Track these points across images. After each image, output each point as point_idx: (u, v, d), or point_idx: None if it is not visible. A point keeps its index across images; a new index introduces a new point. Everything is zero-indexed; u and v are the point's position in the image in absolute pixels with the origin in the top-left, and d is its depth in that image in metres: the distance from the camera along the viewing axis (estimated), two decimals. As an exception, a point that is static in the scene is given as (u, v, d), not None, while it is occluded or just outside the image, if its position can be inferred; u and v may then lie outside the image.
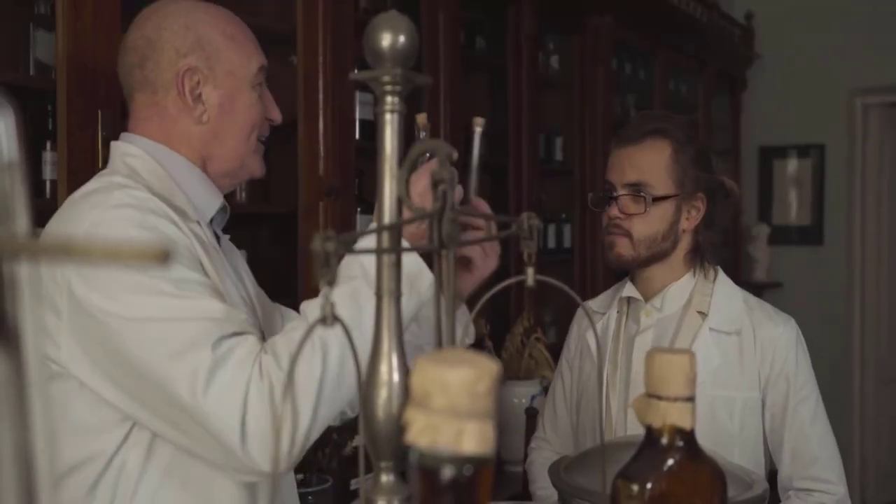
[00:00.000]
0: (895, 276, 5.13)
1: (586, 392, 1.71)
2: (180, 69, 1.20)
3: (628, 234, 1.60)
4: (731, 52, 4.91)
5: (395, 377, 0.76)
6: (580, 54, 3.62)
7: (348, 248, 0.62)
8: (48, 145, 1.77)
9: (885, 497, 4.90)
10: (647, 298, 1.67)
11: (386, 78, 0.78)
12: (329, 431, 1.48)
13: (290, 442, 1.02)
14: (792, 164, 5.18)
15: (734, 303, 1.65)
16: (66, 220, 1.14)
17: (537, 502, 1.74)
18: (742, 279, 4.96)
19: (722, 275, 1.68)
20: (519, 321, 3.01)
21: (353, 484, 2.35)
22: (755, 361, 1.60)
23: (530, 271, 0.88)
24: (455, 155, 0.73)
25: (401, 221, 0.79)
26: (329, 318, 0.61)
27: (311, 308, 1.08)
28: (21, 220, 0.39)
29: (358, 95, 2.43)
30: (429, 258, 0.97)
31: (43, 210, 1.69)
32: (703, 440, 0.76)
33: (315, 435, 1.05)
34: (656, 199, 1.59)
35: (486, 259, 1.23)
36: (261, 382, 1.02)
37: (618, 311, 1.70)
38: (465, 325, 1.34)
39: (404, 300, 0.81)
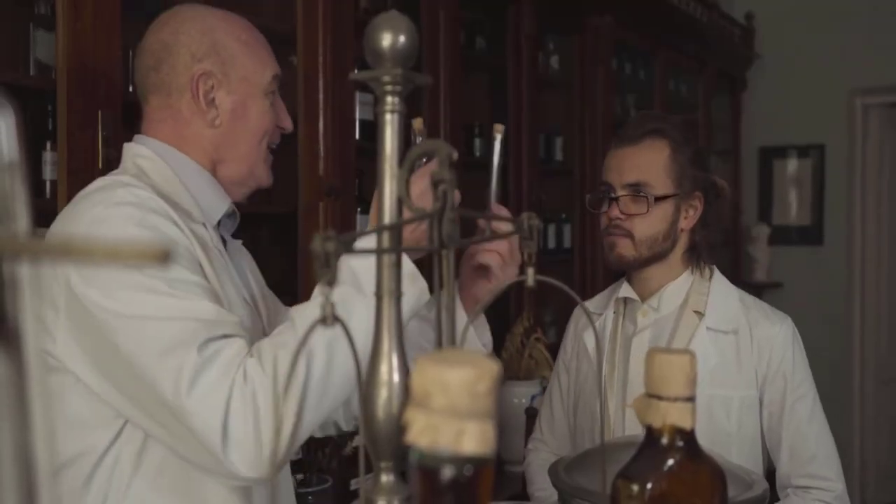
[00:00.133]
0: (895, 276, 5.13)
1: (583, 393, 1.71)
2: (195, 73, 1.22)
3: (630, 235, 1.60)
4: (731, 52, 4.91)
5: (395, 377, 0.76)
6: (580, 54, 3.62)
7: (348, 248, 0.62)
8: (48, 145, 1.77)
9: (885, 497, 4.90)
10: (643, 299, 1.67)
11: (386, 78, 0.78)
12: (329, 432, 1.48)
13: (272, 447, 1.02)
14: (792, 164, 5.18)
15: (730, 302, 1.65)
16: (69, 217, 1.15)
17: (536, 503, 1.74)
18: (742, 279, 4.96)
19: (718, 274, 1.69)
20: (519, 321, 3.01)
21: (353, 484, 2.35)
22: (752, 360, 1.60)
23: (530, 271, 0.88)
24: (455, 155, 0.73)
25: (401, 221, 0.79)
26: (329, 318, 0.61)
27: (300, 313, 1.08)
28: (21, 220, 0.39)
29: (358, 95, 2.43)
30: (429, 258, 0.97)
31: (43, 210, 1.70)
32: (701, 439, 0.76)
33: (299, 441, 1.04)
34: (658, 199, 1.59)
35: (505, 267, 1.24)
36: (244, 386, 1.02)
37: (614, 312, 1.70)
38: (483, 334, 1.34)
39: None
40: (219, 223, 1.28)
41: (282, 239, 2.38)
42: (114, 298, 1.05)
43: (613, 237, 1.62)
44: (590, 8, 3.60)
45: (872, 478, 4.88)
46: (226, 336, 1.06)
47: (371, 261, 1.02)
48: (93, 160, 1.71)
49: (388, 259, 0.77)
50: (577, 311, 1.82)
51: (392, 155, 0.79)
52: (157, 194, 1.15)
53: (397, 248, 0.78)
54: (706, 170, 1.67)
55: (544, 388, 2.79)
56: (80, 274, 1.06)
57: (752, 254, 5.13)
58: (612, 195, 1.62)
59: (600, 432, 1.62)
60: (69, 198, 1.63)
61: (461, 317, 1.30)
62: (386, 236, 0.78)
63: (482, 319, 1.36)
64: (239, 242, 1.39)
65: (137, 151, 1.25)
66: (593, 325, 0.91)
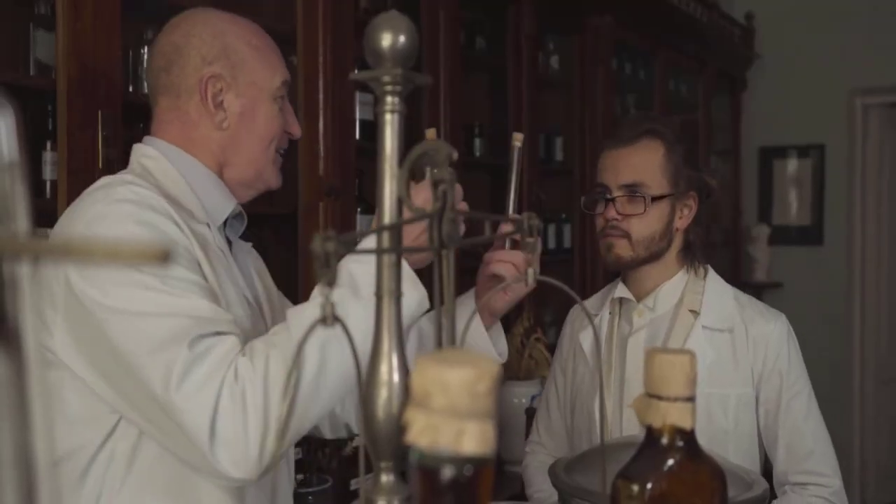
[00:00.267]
0: (895, 276, 5.13)
1: (580, 394, 1.71)
2: (204, 75, 1.23)
3: (627, 235, 1.61)
4: (731, 52, 4.91)
5: (395, 377, 0.76)
6: (580, 54, 3.62)
7: (348, 248, 0.62)
8: (48, 145, 1.77)
9: (885, 497, 4.90)
10: (638, 299, 1.68)
11: (386, 78, 0.78)
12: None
13: (259, 448, 1.02)
14: (792, 165, 5.18)
15: (725, 300, 1.66)
16: (71, 215, 1.16)
17: None
18: (742, 279, 4.96)
19: (712, 273, 1.70)
20: (519, 321, 3.01)
21: (353, 484, 2.35)
22: (748, 358, 1.61)
23: (530, 271, 0.88)
24: (455, 155, 0.73)
25: (401, 221, 0.79)
26: (329, 318, 0.61)
27: (295, 314, 1.09)
28: (21, 220, 0.39)
29: (358, 95, 2.43)
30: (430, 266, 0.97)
31: (43, 210, 1.70)
32: (699, 437, 0.76)
33: (288, 443, 1.04)
34: (654, 199, 1.60)
35: (519, 281, 1.25)
36: (234, 384, 1.02)
37: (610, 312, 1.71)
38: (498, 340, 1.35)
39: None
40: (225, 224, 1.29)
41: (282, 239, 2.38)
42: (109, 294, 1.05)
43: (611, 238, 1.62)
44: (590, 8, 3.60)
45: (872, 478, 4.88)
46: (219, 333, 1.06)
47: (369, 265, 1.02)
48: (93, 160, 1.71)
49: (388, 259, 0.77)
50: (573, 313, 1.83)
51: (392, 155, 0.79)
52: (160, 194, 1.16)
53: (397, 248, 0.78)
54: (698, 169, 1.69)
55: (544, 388, 2.80)
56: (78, 270, 1.07)
57: (752, 254, 5.13)
58: (608, 196, 1.62)
59: (598, 432, 1.63)
60: (69, 198, 1.64)
61: (477, 325, 1.30)
62: (386, 236, 0.78)
63: (498, 327, 1.36)
64: (249, 245, 1.40)
65: (144, 152, 1.26)
66: (592, 323, 0.91)
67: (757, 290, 4.87)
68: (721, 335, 1.61)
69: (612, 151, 1.65)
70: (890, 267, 5.10)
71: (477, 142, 3.12)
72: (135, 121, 1.99)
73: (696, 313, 1.63)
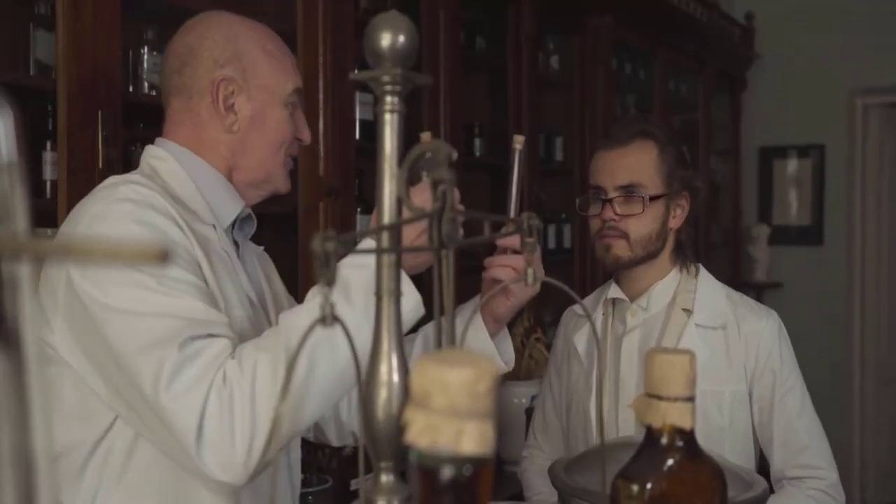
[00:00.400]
0: (895, 276, 5.13)
1: (575, 395, 1.72)
2: (216, 78, 1.24)
3: (625, 236, 1.62)
4: (731, 52, 4.91)
5: (395, 377, 0.76)
6: (580, 54, 3.62)
7: (348, 248, 0.62)
8: (48, 145, 1.77)
9: (885, 497, 4.89)
10: (632, 299, 1.69)
11: (386, 78, 0.78)
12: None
13: (246, 452, 1.02)
14: (792, 165, 5.18)
15: (717, 298, 1.68)
16: (75, 213, 1.18)
17: None
18: (742, 279, 4.96)
19: (704, 271, 1.72)
20: (519, 321, 3.01)
21: (353, 484, 2.35)
22: (741, 355, 1.62)
23: (530, 271, 0.88)
24: (454, 155, 0.73)
25: (400, 221, 0.79)
26: (329, 318, 0.61)
27: (287, 318, 1.09)
28: (21, 220, 0.39)
29: (358, 95, 2.43)
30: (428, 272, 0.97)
31: (43, 210, 1.70)
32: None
33: (276, 448, 1.04)
34: (652, 199, 1.62)
35: (522, 287, 1.26)
36: (223, 387, 1.02)
37: (603, 313, 1.72)
38: (505, 348, 1.35)
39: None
40: (233, 227, 1.30)
41: (282, 239, 2.38)
42: (105, 292, 1.06)
43: (609, 239, 1.63)
44: (590, 8, 3.60)
45: (872, 478, 4.88)
46: (211, 336, 1.07)
47: (363, 271, 1.02)
48: (93, 160, 1.71)
49: (387, 259, 0.77)
50: (566, 315, 1.84)
51: (392, 155, 0.79)
52: (166, 194, 1.17)
53: (397, 248, 0.78)
54: (688, 169, 1.71)
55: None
56: (78, 268, 1.07)
57: (752, 254, 5.13)
58: (605, 197, 1.63)
59: (593, 433, 1.65)
60: (69, 198, 1.65)
61: (481, 332, 1.30)
62: (385, 236, 0.78)
63: (504, 334, 1.36)
64: (260, 248, 1.41)
65: (153, 153, 1.27)
66: (591, 322, 0.91)
67: (757, 290, 4.87)
68: (714, 333, 1.63)
69: (607, 152, 1.66)
70: (890, 267, 5.10)
71: (477, 142, 3.12)
72: (135, 121, 1.99)
73: (689, 312, 1.64)
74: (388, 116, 0.79)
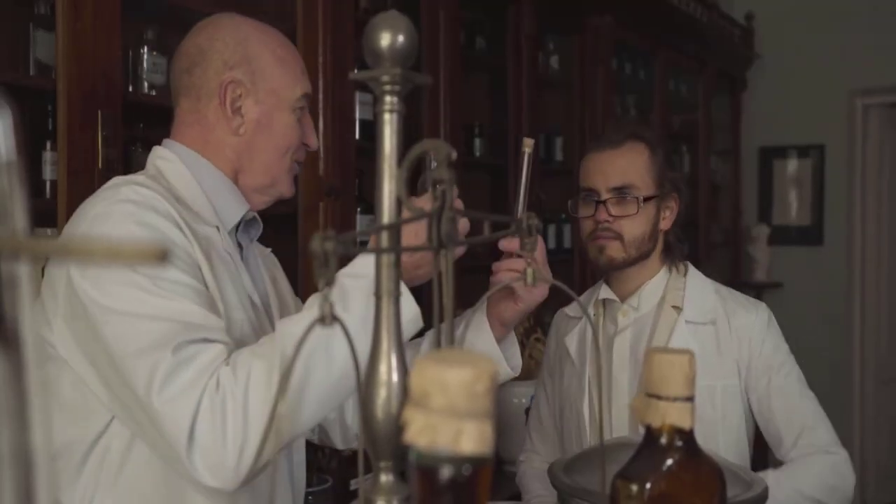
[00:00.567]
0: (895, 276, 5.13)
1: (569, 396, 1.73)
2: (224, 80, 1.24)
3: (619, 237, 1.64)
4: (731, 52, 4.91)
5: (394, 377, 0.76)
6: (580, 54, 3.62)
7: (347, 247, 0.62)
8: (48, 145, 1.77)
9: (885, 497, 4.89)
10: (622, 299, 1.71)
11: (385, 77, 0.78)
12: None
13: (236, 458, 1.02)
14: (792, 165, 5.18)
15: (707, 294, 1.69)
16: (78, 213, 1.18)
17: None
18: (742, 279, 4.96)
19: (692, 269, 1.73)
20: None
21: (353, 484, 2.35)
22: (732, 349, 1.64)
23: (530, 271, 0.88)
24: (454, 155, 0.73)
25: (399, 221, 0.79)
26: (328, 317, 0.61)
27: (284, 325, 1.09)
28: (19, 220, 0.39)
29: (358, 95, 2.43)
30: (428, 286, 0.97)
31: (43, 210, 1.70)
32: (689, 430, 0.77)
33: (268, 454, 1.04)
34: (645, 200, 1.63)
35: (530, 291, 1.25)
36: (215, 394, 1.02)
37: (594, 314, 1.73)
38: (512, 354, 1.34)
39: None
40: (237, 229, 1.30)
41: (282, 239, 2.38)
42: (103, 292, 1.06)
43: (603, 240, 1.64)
44: (590, 8, 3.60)
45: (872, 478, 4.88)
46: (206, 340, 1.06)
47: (362, 282, 1.02)
48: (93, 160, 1.71)
49: (386, 259, 0.77)
50: (557, 317, 1.85)
51: (391, 154, 0.79)
52: (169, 196, 1.17)
53: (396, 247, 0.78)
54: (675, 171, 1.75)
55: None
56: (78, 267, 1.08)
57: (752, 254, 5.13)
58: (598, 199, 1.64)
59: (587, 434, 1.66)
60: (69, 198, 1.65)
61: (487, 336, 1.30)
62: (385, 236, 0.78)
63: (513, 340, 1.35)
64: (268, 250, 1.42)
65: (161, 154, 1.28)
66: (590, 320, 0.91)
67: (757, 290, 4.87)
68: (704, 328, 1.64)
69: (598, 154, 1.67)
70: (890, 267, 5.10)
71: (477, 142, 3.12)
72: (135, 121, 1.99)
73: (678, 309, 1.66)
74: (387, 116, 0.79)
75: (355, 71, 0.83)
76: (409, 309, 1.05)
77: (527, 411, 2.37)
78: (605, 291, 1.72)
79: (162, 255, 0.36)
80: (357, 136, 2.43)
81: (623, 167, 1.64)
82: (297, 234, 2.26)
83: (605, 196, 1.64)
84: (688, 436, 0.74)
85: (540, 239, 1.23)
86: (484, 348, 1.28)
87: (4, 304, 0.39)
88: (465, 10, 2.89)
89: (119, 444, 1.13)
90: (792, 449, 1.59)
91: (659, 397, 0.74)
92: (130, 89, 1.97)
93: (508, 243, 1.29)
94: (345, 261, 1.04)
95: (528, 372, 2.92)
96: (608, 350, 1.69)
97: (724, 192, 5.10)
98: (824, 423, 1.61)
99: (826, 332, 4.79)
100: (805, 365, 1.69)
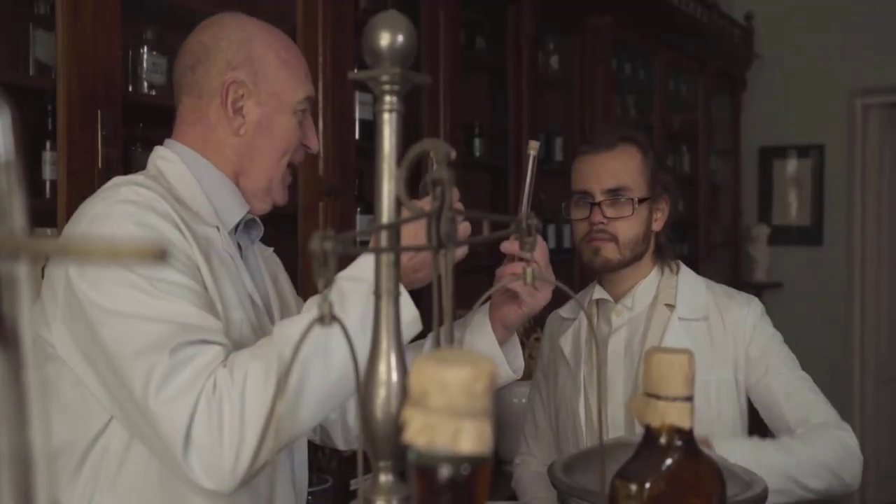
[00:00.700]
0: (895, 276, 5.13)
1: (564, 397, 1.73)
2: (227, 80, 1.23)
3: (614, 238, 1.65)
4: (731, 52, 4.91)
5: (394, 377, 0.76)
6: (580, 54, 3.62)
7: (346, 247, 0.62)
8: (48, 145, 1.77)
9: (885, 497, 4.89)
10: (616, 299, 1.72)
11: (384, 77, 0.78)
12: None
13: (233, 460, 1.02)
14: (792, 165, 5.18)
15: (698, 291, 1.71)
16: (78, 213, 1.18)
17: None
18: (742, 279, 4.96)
19: (684, 267, 1.75)
20: (519, 321, 3.01)
21: (353, 484, 2.35)
22: (727, 344, 1.65)
23: (529, 271, 0.88)
24: (453, 154, 0.73)
25: (399, 221, 0.79)
26: (327, 317, 0.62)
27: (281, 329, 1.09)
28: (18, 219, 0.39)
29: (358, 95, 2.43)
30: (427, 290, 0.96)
31: (43, 210, 1.70)
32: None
33: (265, 456, 1.04)
34: (640, 201, 1.64)
35: (533, 295, 1.25)
36: (212, 396, 1.02)
37: None
38: (514, 356, 1.34)
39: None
40: (237, 229, 1.30)
41: (282, 239, 2.38)
42: (102, 293, 1.06)
43: (598, 242, 1.65)
44: (590, 8, 3.60)
45: (872, 478, 4.88)
46: (204, 342, 1.06)
47: (361, 285, 1.02)
48: (93, 160, 1.71)
49: (386, 259, 0.77)
50: (551, 319, 1.85)
51: (390, 154, 0.79)
52: (169, 196, 1.17)
53: (396, 247, 0.78)
54: (667, 174, 1.75)
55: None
56: (77, 267, 1.08)
57: (752, 254, 5.13)
58: (592, 201, 1.64)
59: (583, 434, 1.67)
60: (69, 198, 1.65)
61: (489, 338, 1.30)
62: (384, 236, 0.78)
63: (515, 342, 1.35)
64: (270, 250, 1.41)
65: (162, 154, 1.27)
66: (589, 319, 0.91)
67: (757, 290, 4.86)
68: (697, 324, 1.66)
69: (591, 157, 1.68)
70: (890, 267, 5.10)
71: (477, 142, 3.12)
72: (134, 121, 1.99)
73: (671, 307, 1.67)
74: (386, 116, 0.79)
75: (355, 71, 0.83)
76: (408, 311, 1.05)
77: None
78: (598, 292, 1.74)
79: (160, 255, 0.36)
80: (357, 135, 2.43)
81: (617, 169, 1.65)
82: (297, 234, 2.26)
83: (599, 198, 1.65)
84: (687, 435, 0.74)
85: (542, 241, 1.23)
86: (485, 350, 1.28)
87: (4, 304, 0.39)
88: (465, 10, 2.89)
89: (118, 444, 1.13)
90: (799, 426, 1.58)
91: (658, 397, 0.74)
92: (130, 89, 1.97)
93: (510, 245, 1.29)
94: (344, 261, 1.04)
95: (529, 372, 2.92)
96: (602, 350, 1.69)
97: (724, 192, 5.10)
98: (826, 405, 1.61)
99: (826, 332, 4.79)
100: (805, 365, 1.69)
